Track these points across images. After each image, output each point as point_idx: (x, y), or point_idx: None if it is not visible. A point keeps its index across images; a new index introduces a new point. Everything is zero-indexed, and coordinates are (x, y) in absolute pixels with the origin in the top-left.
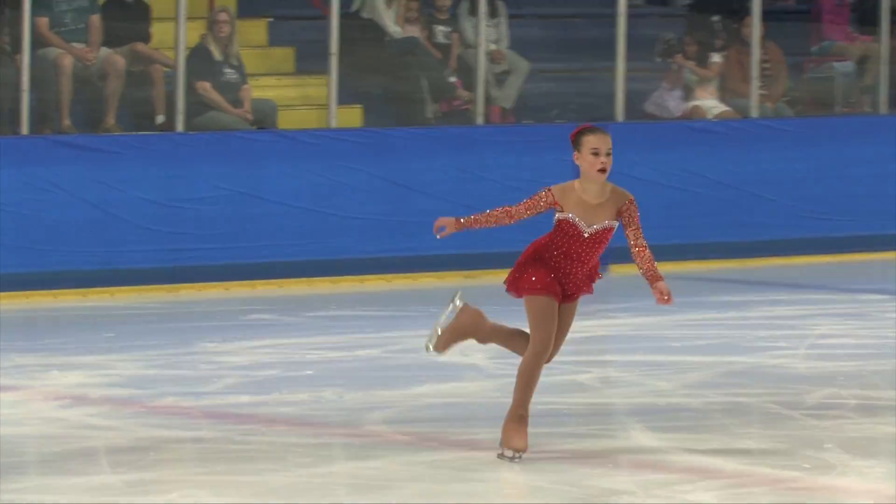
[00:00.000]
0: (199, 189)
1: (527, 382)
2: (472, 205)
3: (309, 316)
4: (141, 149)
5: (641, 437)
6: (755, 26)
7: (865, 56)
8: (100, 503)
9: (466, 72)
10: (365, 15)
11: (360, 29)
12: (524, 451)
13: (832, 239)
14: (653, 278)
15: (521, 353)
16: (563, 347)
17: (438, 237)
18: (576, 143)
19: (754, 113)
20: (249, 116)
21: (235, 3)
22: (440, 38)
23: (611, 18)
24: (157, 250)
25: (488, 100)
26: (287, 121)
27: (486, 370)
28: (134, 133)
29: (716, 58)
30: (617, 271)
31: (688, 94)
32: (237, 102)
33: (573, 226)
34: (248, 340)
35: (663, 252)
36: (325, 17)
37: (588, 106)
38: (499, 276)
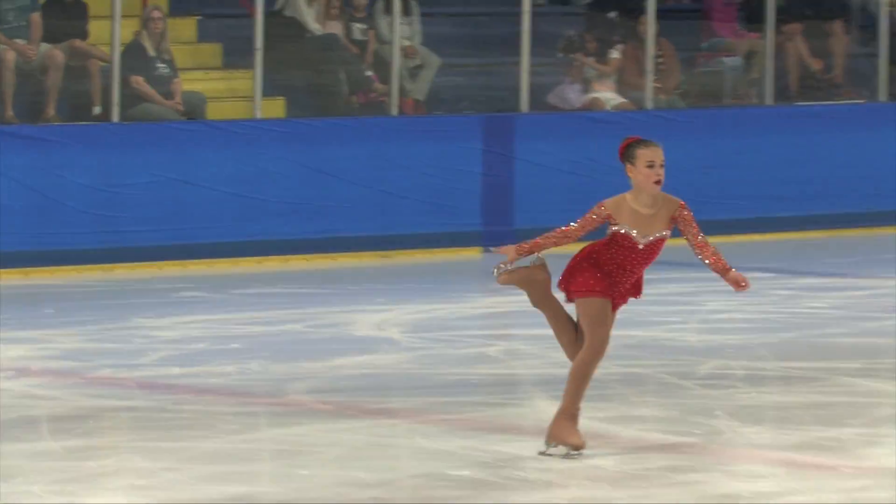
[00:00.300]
0: (133, 175)
1: (581, 381)
2: (387, 190)
3: (236, 293)
4: (79, 138)
5: (545, 406)
6: (650, 24)
7: (752, 51)
8: (42, 467)
9: (382, 66)
10: (287, 13)
11: (283, 26)
12: (582, 447)
13: (719, 222)
14: (723, 270)
15: (560, 335)
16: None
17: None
18: (628, 155)
19: (649, 104)
20: (180, 108)
21: (167, 2)
22: (357, 35)
23: (516, 16)
24: (94, 232)
25: (402, 92)
26: (215, 112)
27: (401, 343)
28: (72, 123)
29: (614, 53)
30: None
31: (587, 87)
32: (169, 95)
33: (628, 238)
34: (179, 316)
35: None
36: (250, 15)
37: (495, 98)
38: (411, 257)
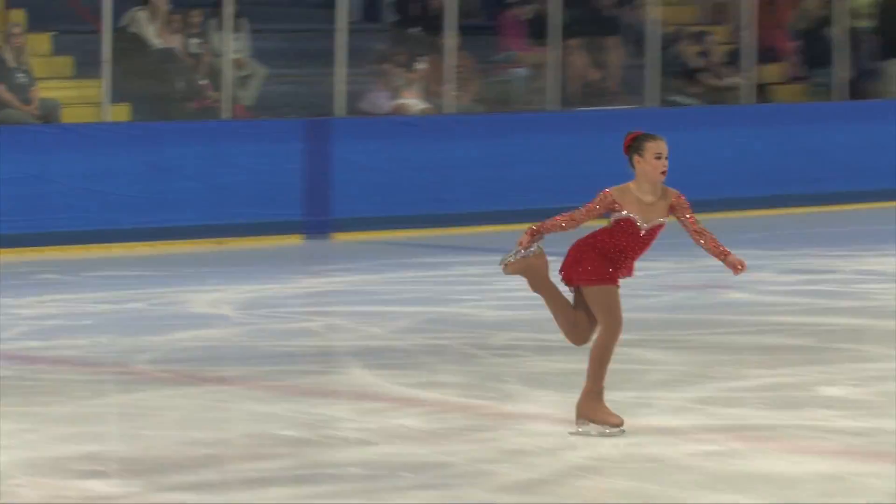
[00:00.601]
0: None
1: (602, 362)
2: (220, 184)
3: (87, 276)
4: None
5: (359, 374)
6: (449, 38)
7: (539, 63)
8: None
9: (215, 76)
10: (131, 30)
11: (127, 41)
12: (621, 424)
13: (510, 212)
14: (722, 255)
15: (557, 317)
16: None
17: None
18: (636, 147)
19: (449, 109)
20: (37, 112)
21: (25, 19)
22: (194, 49)
23: (332, 33)
24: None
25: (233, 99)
26: (69, 116)
27: (233, 319)
28: None
29: (419, 64)
30: (338, 238)
31: (395, 94)
32: (27, 101)
33: (632, 223)
34: (37, 296)
35: (377, 223)
36: (98, 31)
37: (315, 104)
38: (241, 243)
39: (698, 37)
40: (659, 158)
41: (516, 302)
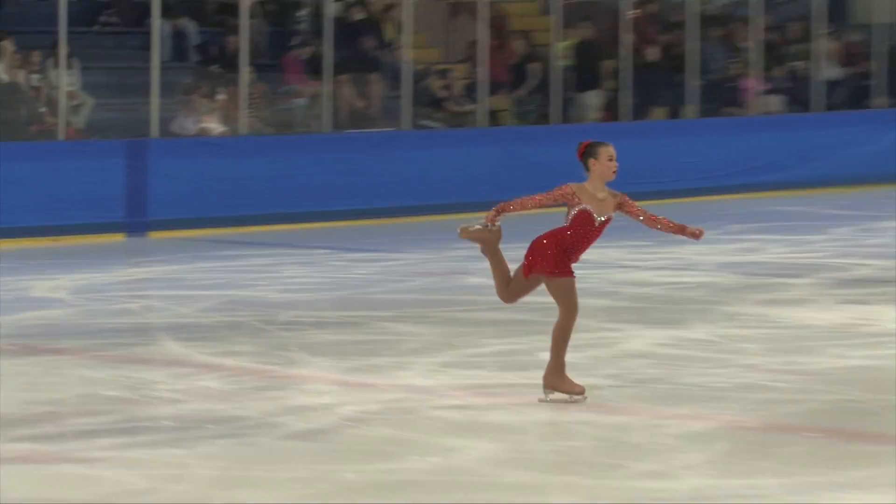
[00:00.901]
0: None
1: (562, 342)
2: (57, 193)
3: None
4: None
5: (170, 345)
6: (243, 74)
7: (315, 94)
8: None
9: (52, 104)
10: None
11: None
12: (582, 392)
13: (293, 213)
14: (680, 229)
15: (497, 279)
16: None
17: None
18: (591, 153)
19: (244, 132)
20: None
21: None
22: (34, 82)
23: (148, 69)
24: None
25: (67, 123)
26: None
27: (68, 302)
28: None
29: (218, 95)
30: (153, 236)
31: (199, 119)
32: None
33: (589, 214)
34: None
35: (185, 224)
36: None
37: (134, 128)
38: (74, 241)
39: (443, 73)
40: (611, 160)
41: (298, 286)
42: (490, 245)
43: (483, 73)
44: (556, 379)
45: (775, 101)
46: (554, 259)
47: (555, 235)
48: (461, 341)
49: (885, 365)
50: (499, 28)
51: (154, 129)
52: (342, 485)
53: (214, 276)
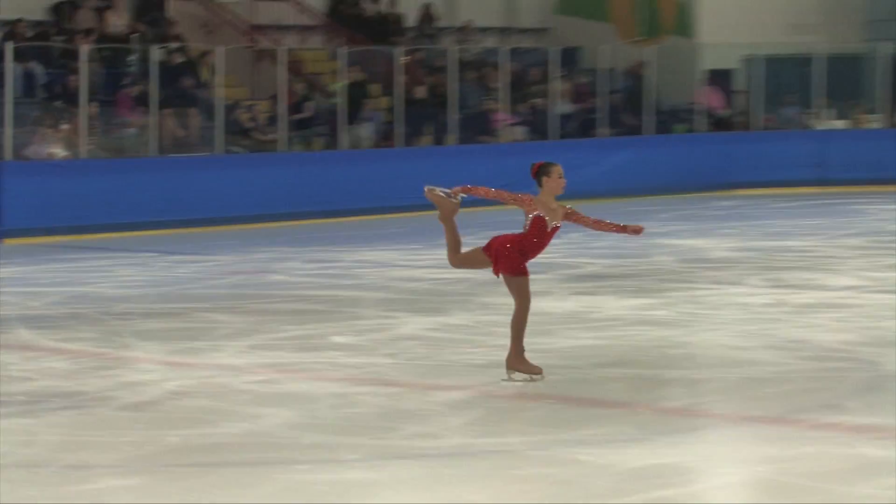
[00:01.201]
0: None
1: (520, 329)
2: None
3: None
4: None
5: (23, 333)
6: (83, 108)
7: (144, 125)
8: None
9: None
10: None
11: None
12: (540, 372)
13: (131, 223)
14: (621, 229)
15: (449, 243)
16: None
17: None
18: (544, 172)
19: (84, 156)
20: None
21: None
22: None
23: (3, 104)
24: None
25: None
26: None
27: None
28: None
29: (63, 125)
30: (8, 242)
31: (47, 145)
32: None
33: (543, 220)
34: None
35: (35, 232)
36: None
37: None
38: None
39: (249, 107)
40: (561, 177)
41: (130, 283)
42: (447, 213)
43: (281, 108)
44: (517, 362)
45: (520, 131)
46: (517, 261)
47: (517, 240)
48: (266, 327)
49: (610, 344)
50: (295, 72)
51: (8, 153)
52: (167, 447)
53: (59, 276)
